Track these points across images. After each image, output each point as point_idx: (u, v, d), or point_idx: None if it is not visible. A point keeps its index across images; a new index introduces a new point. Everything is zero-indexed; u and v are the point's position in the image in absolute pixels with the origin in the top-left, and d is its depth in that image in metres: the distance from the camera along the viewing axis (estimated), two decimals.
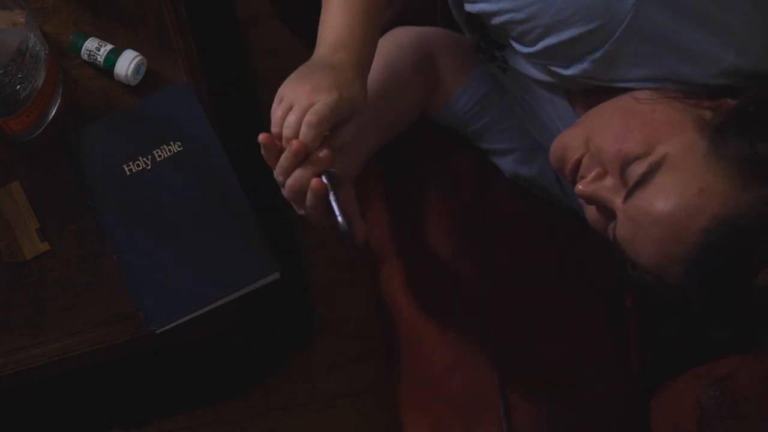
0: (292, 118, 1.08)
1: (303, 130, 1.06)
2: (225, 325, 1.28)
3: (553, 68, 1.14)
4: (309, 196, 1.07)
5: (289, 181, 1.08)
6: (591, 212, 1.14)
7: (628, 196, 1.08)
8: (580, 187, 1.11)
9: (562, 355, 1.19)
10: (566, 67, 1.12)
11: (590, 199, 1.12)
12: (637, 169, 1.07)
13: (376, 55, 1.16)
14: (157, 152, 1.27)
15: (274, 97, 1.11)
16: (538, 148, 1.32)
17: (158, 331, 1.21)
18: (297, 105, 1.08)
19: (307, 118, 1.06)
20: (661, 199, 1.05)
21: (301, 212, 1.11)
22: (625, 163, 1.08)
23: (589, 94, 1.15)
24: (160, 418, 1.73)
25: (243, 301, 1.23)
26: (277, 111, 1.10)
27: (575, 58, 1.10)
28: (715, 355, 1.13)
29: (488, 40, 1.25)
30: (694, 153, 1.06)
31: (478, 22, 1.21)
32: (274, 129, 1.09)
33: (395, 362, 1.30)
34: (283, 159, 1.07)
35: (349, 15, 1.14)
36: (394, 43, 1.33)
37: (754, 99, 1.06)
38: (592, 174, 1.11)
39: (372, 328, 1.49)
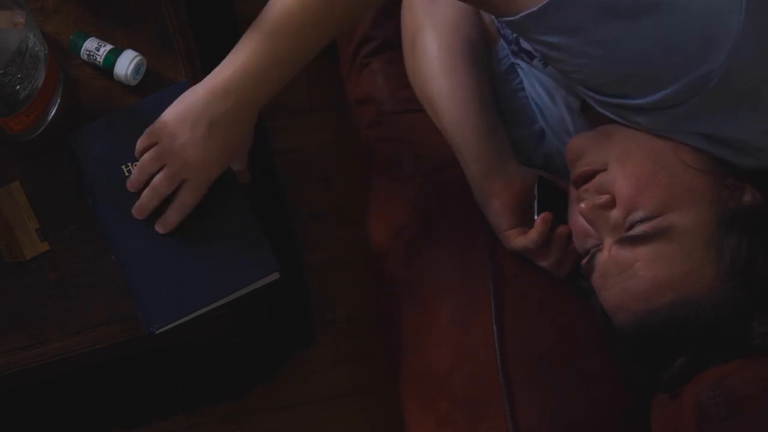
0: (164, 189, 1.18)
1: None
2: (225, 325, 1.28)
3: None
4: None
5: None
6: (580, 221, 1.15)
7: (622, 242, 1.09)
8: (583, 206, 1.12)
9: (566, 351, 1.19)
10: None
11: (588, 222, 1.13)
12: (641, 226, 1.09)
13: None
14: None
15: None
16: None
17: (158, 331, 1.21)
18: (174, 172, 1.18)
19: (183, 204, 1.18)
20: (650, 264, 1.08)
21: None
22: (633, 210, 1.09)
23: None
24: (160, 418, 1.73)
25: (243, 301, 1.23)
26: (146, 160, 1.20)
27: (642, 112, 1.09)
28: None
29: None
30: (700, 235, 1.08)
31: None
32: (136, 177, 1.19)
33: (397, 361, 1.30)
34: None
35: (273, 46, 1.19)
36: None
37: None
38: (601, 201, 1.11)
39: (372, 328, 1.48)
